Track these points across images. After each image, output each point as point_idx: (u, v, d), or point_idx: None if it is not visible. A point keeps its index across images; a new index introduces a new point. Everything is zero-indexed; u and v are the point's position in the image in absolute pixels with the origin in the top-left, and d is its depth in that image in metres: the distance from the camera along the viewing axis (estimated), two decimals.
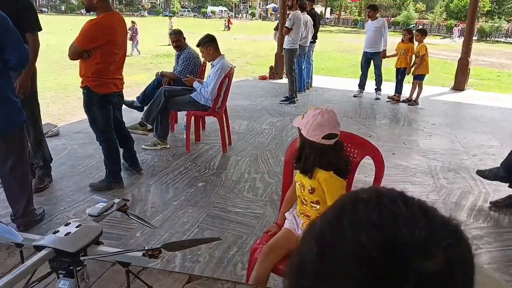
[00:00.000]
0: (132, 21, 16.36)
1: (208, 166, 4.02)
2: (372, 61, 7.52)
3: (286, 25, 6.69)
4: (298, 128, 1.75)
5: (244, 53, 17.55)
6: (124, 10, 57.93)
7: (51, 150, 4.32)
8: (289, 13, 6.87)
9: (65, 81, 8.98)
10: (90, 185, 3.44)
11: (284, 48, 6.99)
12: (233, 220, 2.99)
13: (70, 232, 1.24)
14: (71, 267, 1.23)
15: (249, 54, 17.15)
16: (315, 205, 1.81)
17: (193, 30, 19.04)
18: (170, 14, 33.23)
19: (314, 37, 7.85)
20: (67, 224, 1.28)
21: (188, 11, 64.87)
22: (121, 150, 3.63)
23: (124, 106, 5.13)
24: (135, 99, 5.09)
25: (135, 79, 9.29)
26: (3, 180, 2.67)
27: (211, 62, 4.33)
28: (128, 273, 1.30)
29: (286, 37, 6.78)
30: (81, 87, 3.26)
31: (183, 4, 69.95)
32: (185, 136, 4.70)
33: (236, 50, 19.37)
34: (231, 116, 5.95)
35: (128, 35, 15.31)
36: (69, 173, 3.78)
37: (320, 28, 9.01)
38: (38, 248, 1.22)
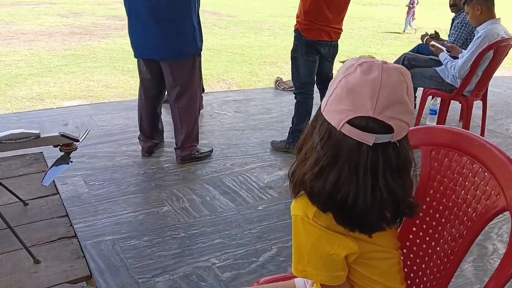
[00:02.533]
0: None
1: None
2: None
3: None
4: None
5: None
6: None
7: (280, 102, 4.30)
8: None
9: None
10: (271, 142, 3.18)
11: None
12: None
13: None
14: None
15: None
16: None
17: None
18: None
19: None
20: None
21: None
22: None
23: None
24: None
25: None
26: (171, 108, 2.74)
27: (476, 27, 3.07)
28: None
29: None
30: (294, 30, 2.95)
31: None
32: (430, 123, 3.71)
33: None
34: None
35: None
36: (271, 126, 3.62)
37: None
38: None
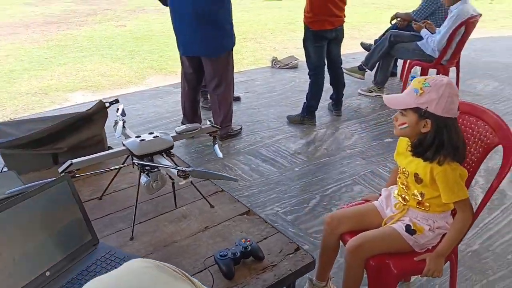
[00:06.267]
0: None
1: None
2: None
3: None
4: (417, 108, 1.41)
5: None
6: None
7: (281, 80, 4.87)
8: None
9: None
10: (287, 117, 3.77)
11: None
12: None
13: (144, 140, 1.52)
14: (148, 168, 1.52)
15: None
16: (418, 197, 1.52)
17: None
18: None
19: None
20: (150, 133, 1.58)
21: None
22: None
23: (360, 48, 5.16)
24: (373, 43, 4.96)
25: None
26: (209, 95, 3.28)
27: (449, 7, 3.72)
28: (173, 185, 1.53)
29: None
30: (303, 23, 3.48)
31: None
32: None
33: None
34: (480, 74, 5.09)
35: None
36: (281, 102, 4.21)
37: None
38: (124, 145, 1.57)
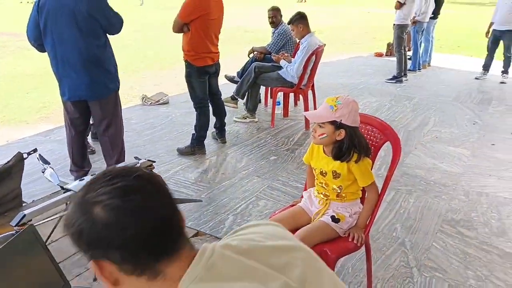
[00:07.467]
0: None
1: (286, 142, 4.17)
2: (502, 41, 6.66)
3: None
4: (334, 121, 1.73)
5: (374, 28, 16.66)
6: None
7: (157, 116, 4.94)
8: None
9: None
10: (177, 149, 3.89)
11: (394, 24, 6.61)
12: (290, 194, 3.12)
13: None
14: None
15: (380, 29, 16.23)
16: (337, 190, 1.86)
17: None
18: None
19: (435, 13, 7.24)
20: (92, 175, 1.59)
21: None
22: (213, 119, 4.01)
23: (225, 80, 5.57)
24: (236, 75, 5.43)
25: None
26: (99, 138, 3.22)
27: (300, 40, 4.39)
28: None
29: (397, 12, 6.41)
30: (183, 60, 3.68)
31: None
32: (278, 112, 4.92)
33: (365, 25, 18.45)
34: (328, 93, 5.95)
35: None
36: (165, 137, 4.30)
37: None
38: (67, 191, 1.56)
